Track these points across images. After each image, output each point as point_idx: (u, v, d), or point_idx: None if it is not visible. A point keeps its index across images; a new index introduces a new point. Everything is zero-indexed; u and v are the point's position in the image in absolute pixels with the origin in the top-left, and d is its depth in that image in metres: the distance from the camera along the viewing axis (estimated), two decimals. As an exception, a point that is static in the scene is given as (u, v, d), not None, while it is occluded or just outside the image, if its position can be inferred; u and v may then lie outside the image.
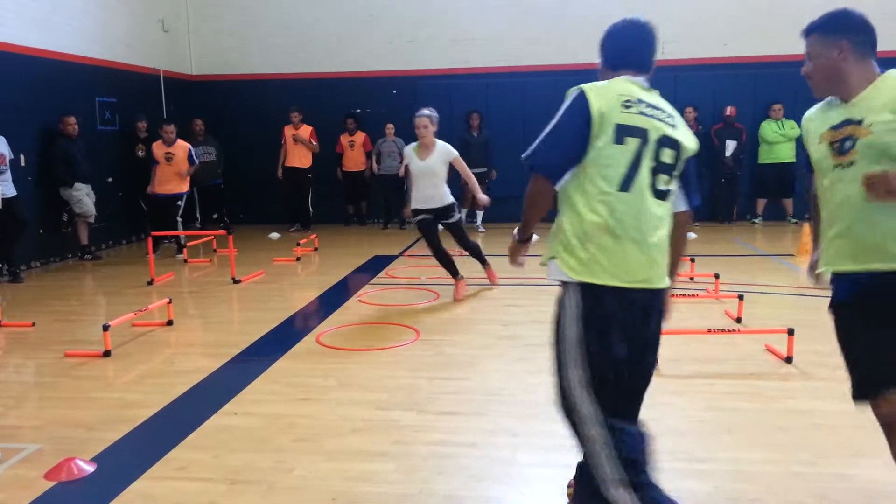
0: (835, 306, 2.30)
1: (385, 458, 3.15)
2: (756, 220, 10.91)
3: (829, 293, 2.32)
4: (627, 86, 2.19)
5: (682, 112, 10.53)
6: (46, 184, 8.29)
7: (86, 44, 9.25)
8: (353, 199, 11.53)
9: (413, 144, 6.24)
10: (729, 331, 4.72)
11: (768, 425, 3.42)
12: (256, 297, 6.58)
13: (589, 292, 2.12)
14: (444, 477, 2.97)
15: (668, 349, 4.40)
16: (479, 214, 10.69)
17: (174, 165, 8.72)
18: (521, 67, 11.08)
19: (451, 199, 6.23)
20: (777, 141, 10.38)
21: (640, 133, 2.12)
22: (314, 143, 10.83)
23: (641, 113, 2.14)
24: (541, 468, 3.03)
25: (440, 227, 6.28)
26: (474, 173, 6.76)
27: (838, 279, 2.27)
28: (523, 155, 2.18)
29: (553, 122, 2.17)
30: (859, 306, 2.21)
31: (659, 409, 3.52)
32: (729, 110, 10.49)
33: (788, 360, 4.29)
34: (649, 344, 2.22)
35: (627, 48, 2.29)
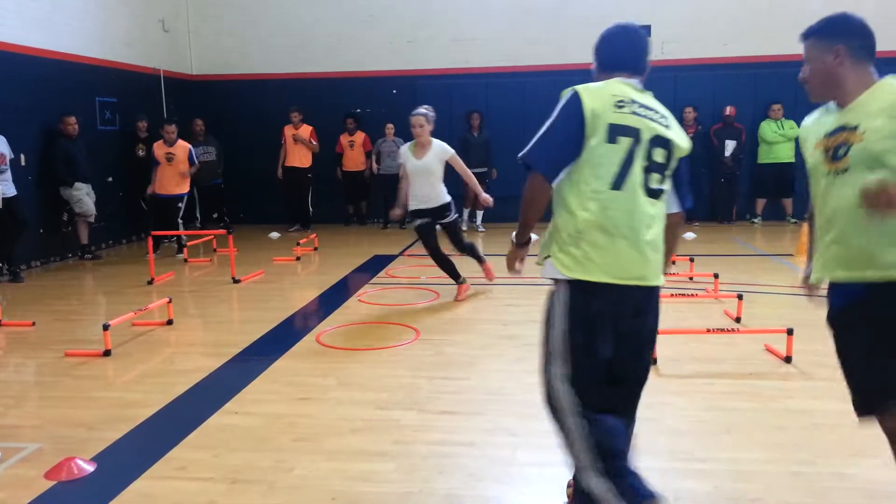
0: (831, 319, 2.27)
1: (385, 457, 3.16)
2: (755, 220, 10.92)
3: (827, 298, 2.30)
4: (621, 87, 2.22)
5: (681, 112, 10.63)
6: (46, 183, 8.29)
7: (86, 44, 9.25)
8: (353, 199, 11.53)
9: (409, 143, 6.22)
10: (728, 330, 4.73)
11: (768, 425, 3.43)
12: (256, 296, 6.59)
13: (579, 290, 2.15)
14: (444, 476, 2.97)
15: (668, 349, 4.42)
16: (480, 214, 10.69)
17: (175, 165, 8.71)
18: (521, 67, 11.08)
19: (447, 198, 6.19)
20: (776, 141, 10.39)
21: (633, 132, 2.15)
22: (314, 142, 10.83)
23: (634, 113, 2.17)
24: (540, 468, 3.04)
25: (437, 227, 6.26)
26: (475, 173, 6.75)
27: (833, 289, 2.26)
28: (520, 154, 2.21)
29: (548, 123, 2.21)
30: (856, 318, 2.18)
31: (658, 409, 3.53)
32: (728, 110, 10.50)
33: (788, 359, 4.30)
34: (644, 342, 2.23)
35: (621, 51, 2.32)
